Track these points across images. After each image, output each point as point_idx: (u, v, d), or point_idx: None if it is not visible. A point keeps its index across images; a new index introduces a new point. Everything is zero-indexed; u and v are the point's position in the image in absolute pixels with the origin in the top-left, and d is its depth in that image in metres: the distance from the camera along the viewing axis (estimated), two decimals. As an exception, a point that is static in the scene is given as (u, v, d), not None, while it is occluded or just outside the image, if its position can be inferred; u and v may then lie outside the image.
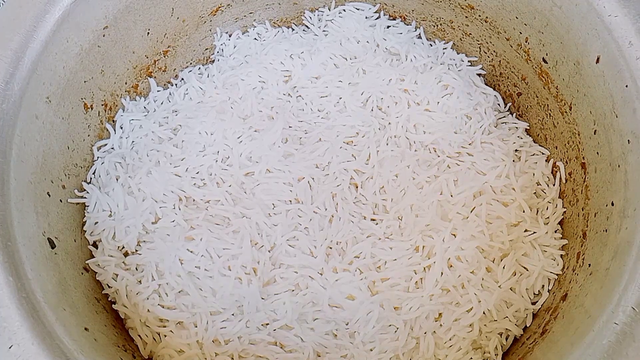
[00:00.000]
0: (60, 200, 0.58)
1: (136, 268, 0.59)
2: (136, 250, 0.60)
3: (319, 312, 0.57)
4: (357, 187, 0.63)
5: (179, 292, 0.57)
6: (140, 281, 0.58)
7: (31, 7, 0.55)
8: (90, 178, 0.64)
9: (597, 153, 0.57)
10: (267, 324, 0.56)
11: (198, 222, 0.60)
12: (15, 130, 0.53)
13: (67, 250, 0.56)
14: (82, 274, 0.57)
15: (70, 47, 0.59)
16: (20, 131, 0.53)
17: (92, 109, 0.64)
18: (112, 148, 0.66)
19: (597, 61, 0.56)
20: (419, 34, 0.75)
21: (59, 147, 0.59)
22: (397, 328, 0.56)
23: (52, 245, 0.54)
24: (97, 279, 0.59)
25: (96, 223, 0.61)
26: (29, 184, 0.54)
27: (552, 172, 0.65)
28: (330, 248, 0.59)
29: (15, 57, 0.54)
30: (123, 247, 0.61)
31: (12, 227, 0.49)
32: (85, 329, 0.51)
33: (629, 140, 0.52)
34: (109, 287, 0.59)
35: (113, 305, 0.58)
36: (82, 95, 0.62)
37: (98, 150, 0.65)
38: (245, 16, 0.77)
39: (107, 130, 0.67)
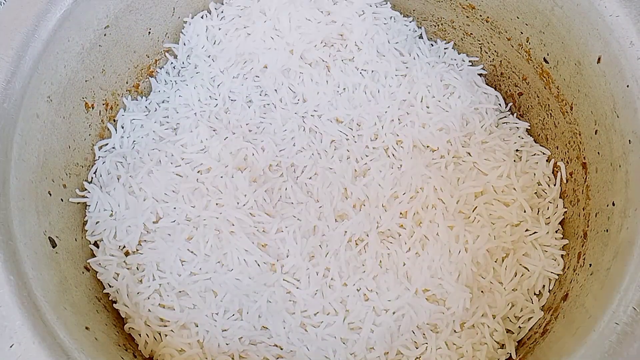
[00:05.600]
0: (61, 200, 0.59)
1: (137, 267, 0.59)
2: (137, 250, 0.60)
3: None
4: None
5: (180, 292, 0.57)
6: (141, 280, 0.58)
7: (32, 6, 0.55)
8: (92, 177, 0.64)
9: (598, 153, 0.57)
10: (268, 328, 0.56)
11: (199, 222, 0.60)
12: (16, 129, 0.53)
13: (68, 249, 0.57)
14: (83, 273, 0.57)
15: (71, 47, 0.59)
16: (21, 130, 0.53)
17: (93, 108, 0.64)
18: (113, 147, 0.66)
19: (598, 61, 0.56)
20: (420, 34, 0.75)
21: (59, 146, 0.59)
22: (402, 333, 0.56)
23: (53, 245, 0.54)
24: (98, 278, 0.59)
25: (97, 223, 0.61)
26: (30, 183, 0.54)
27: (553, 172, 0.65)
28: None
29: (17, 56, 0.54)
30: (124, 247, 0.61)
31: (12, 226, 0.49)
32: (86, 328, 0.51)
33: (630, 140, 0.52)
34: (110, 286, 0.59)
35: (114, 304, 0.59)
36: (83, 95, 0.63)
37: (99, 150, 0.65)
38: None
39: (108, 129, 0.67)
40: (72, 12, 0.58)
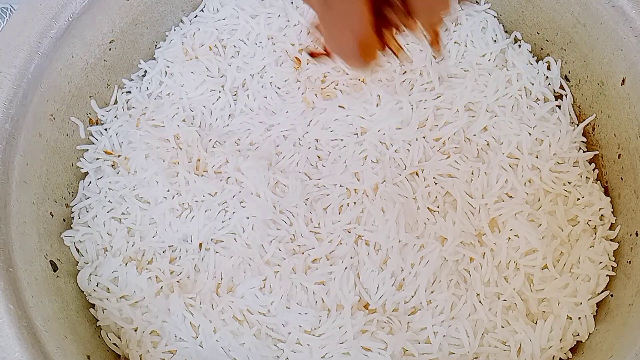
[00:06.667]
0: (64, 220, 0.57)
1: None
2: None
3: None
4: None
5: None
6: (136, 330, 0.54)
7: (36, 23, 0.54)
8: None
9: (621, 178, 0.55)
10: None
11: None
12: (17, 150, 0.51)
13: (69, 271, 0.55)
14: (85, 296, 0.56)
15: (75, 63, 0.58)
16: (23, 151, 0.52)
17: (97, 124, 0.62)
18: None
19: (623, 83, 0.53)
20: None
21: (62, 165, 0.57)
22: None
23: (55, 268, 0.53)
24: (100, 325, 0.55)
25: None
26: (31, 205, 0.52)
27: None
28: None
29: (19, 75, 0.52)
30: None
31: (12, 252, 0.48)
32: (88, 357, 0.49)
33: (656, 169, 0.49)
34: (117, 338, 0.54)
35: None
36: (88, 111, 0.61)
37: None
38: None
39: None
40: (76, 28, 0.56)
